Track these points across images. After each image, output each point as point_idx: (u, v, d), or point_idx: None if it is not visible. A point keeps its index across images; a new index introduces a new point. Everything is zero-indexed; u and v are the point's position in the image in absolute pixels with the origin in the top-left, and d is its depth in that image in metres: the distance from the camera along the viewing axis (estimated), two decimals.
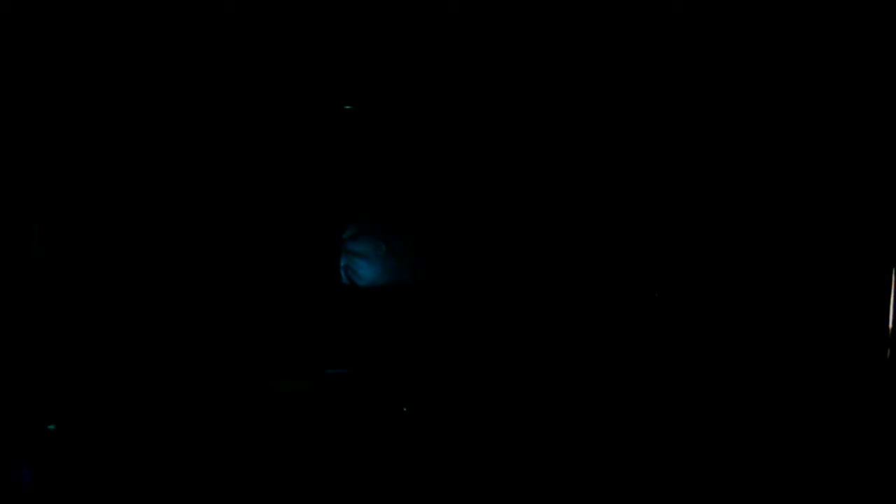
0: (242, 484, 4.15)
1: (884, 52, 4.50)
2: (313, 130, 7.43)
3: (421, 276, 8.00)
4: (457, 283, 7.93)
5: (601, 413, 5.68)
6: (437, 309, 7.82)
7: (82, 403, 5.14)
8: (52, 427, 3.17)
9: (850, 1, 4.02)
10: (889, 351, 4.91)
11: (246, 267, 7.78)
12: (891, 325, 4.92)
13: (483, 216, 8.00)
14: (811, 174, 5.50)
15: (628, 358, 7.08)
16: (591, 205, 7.74)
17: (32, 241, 6.84)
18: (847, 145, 5.22)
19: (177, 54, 5.18)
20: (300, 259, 7.92)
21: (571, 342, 7.42)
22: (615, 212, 7.65)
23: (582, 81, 5.61)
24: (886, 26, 4.19)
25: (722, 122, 6.27)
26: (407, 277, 7.95)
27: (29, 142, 6.69)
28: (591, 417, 5.56)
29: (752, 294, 6.00)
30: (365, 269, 8.06)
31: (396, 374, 6.27)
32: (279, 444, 4.70)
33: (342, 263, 8.05)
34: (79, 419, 4.38)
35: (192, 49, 5.07)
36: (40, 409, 3.12)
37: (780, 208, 5.79)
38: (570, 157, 7.68)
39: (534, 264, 7.87)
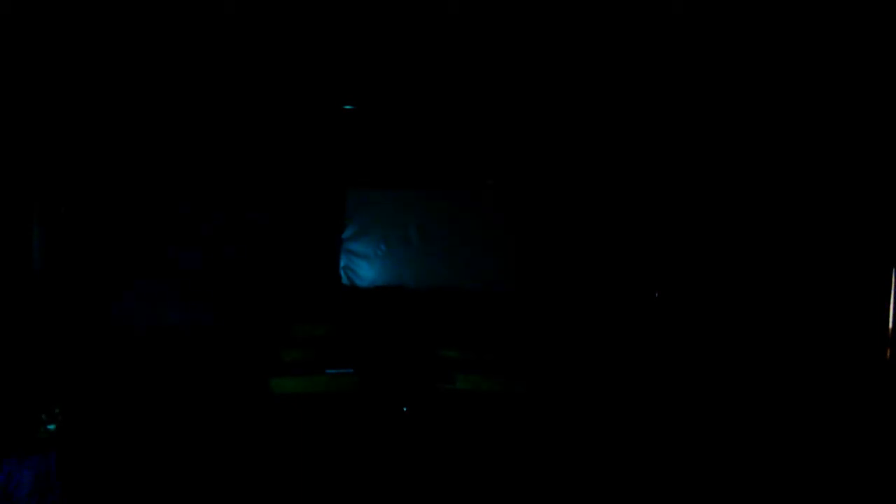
0: (242, 482, 4.15)
1: (884, 52, 4.50)
2: (315, 131, 7.44)
3: (422, 276, 8.01)
4: (458, 283, 7.93)
5: (603, 411, 5.68)
6: (436, 309, 7.83)
7: (83, 403, 5.14)
8: (52, 427, 3.17)
9: (850, 1, 4.02)
10: (889, 351, 4.91)
11: (246, 267, 7.78)
12: (891, 325, 4.92)
13: (483, 216, 8.00)
14: (811, 175, 5.51)
15: (629, 356, 7.09)
16: (593, 206, 7.75)
17: (32, 243, 6.84)
18: (847, 146, 5.22)
19: (179, 56, 5.17)
20: (300, 259, 7.93)
21: (572, 340, 7.43)
22: (616, 213, 7.67)
23: (582, 82, 5.61)
24: (886, 27, 4.20)
25: (722, 123, 6.27)
26: (408, 279, 7.96)
27: (29, 141, 6.69)
28: (592, 415, 5.55)
29: (753, 294, 6.00)
30: (365, 269, 8.08)
31: (397, 373, 6.28)
32: (278, 443, 4.70)
33: (342, 263, 8.07)
34: (80, 419, 4.38)
35: (194, 50, 5.06)
36: (40, 408, 3.13)
37: (780, 209, 5.80)
38: (572, 159, 7.69)
39: (534, 264, 7.87)
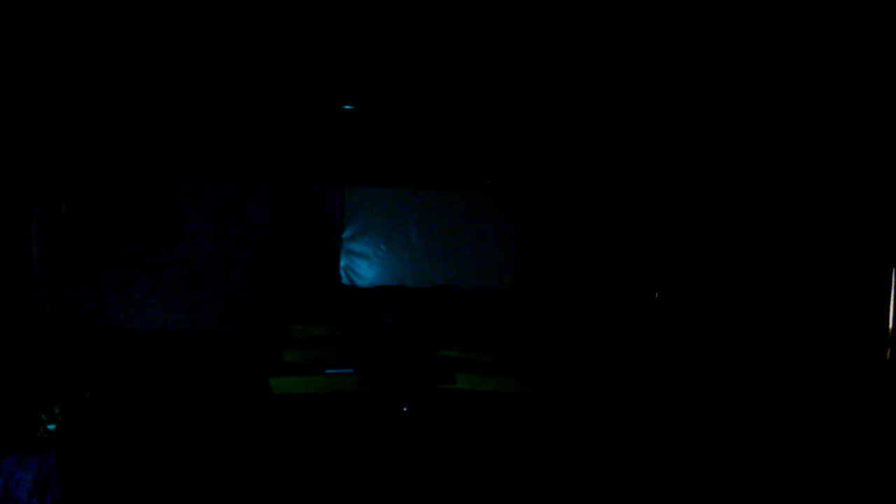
0: (242, 481, 4.15)
1: (884, 52, 4.50)
2: (315, 131, 7.44)
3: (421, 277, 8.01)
4: (456, 283, 7.93)
5: (602, 410, 5.68)
6: (436, 309, 7.83)
7: (83, 403, 5.13)
8: (52, 427, 3.17)
9: (850, 1, 4.02)
10: (889, 351, 4.91)
11: (247, 267, 7.78)
12: (891, 325, 4.92)
13: (482, 217, 8.00)
14: (811, 175, 5.50)
15: (628, 356, 7.09)
16: (592, 206, 7.75)
17: (31, 242, 6.85)
18: (847, 146, 5.21)
19: (180, 56, 5.18)
20: (300, 260, 7.93)
21: (572, 341, 7.43)
22: (616, 213, 7.67)
23: (582, 83, 5.61)
24: (886, 27, 4.19)
25: (722, 123, 6.27)
26: (408, 279, 7.96)
27: (29, 140, 6.69)
28: (592, 414, 5.55)
29: (753, 294, 5.99)
30: (365, 269, 8.09)
31: (397, 373, 6.27)
32: (278, 442, 4.70)
33: (342, 263, 8.07)
34: (80, 419, 4.39)
35: (195, 51, 5.07)
36: (40, 408, 3.14)
37: (780, 209, 5.79)
38: (572, 159, 7.69)
39: (533, 264, 7.87)
